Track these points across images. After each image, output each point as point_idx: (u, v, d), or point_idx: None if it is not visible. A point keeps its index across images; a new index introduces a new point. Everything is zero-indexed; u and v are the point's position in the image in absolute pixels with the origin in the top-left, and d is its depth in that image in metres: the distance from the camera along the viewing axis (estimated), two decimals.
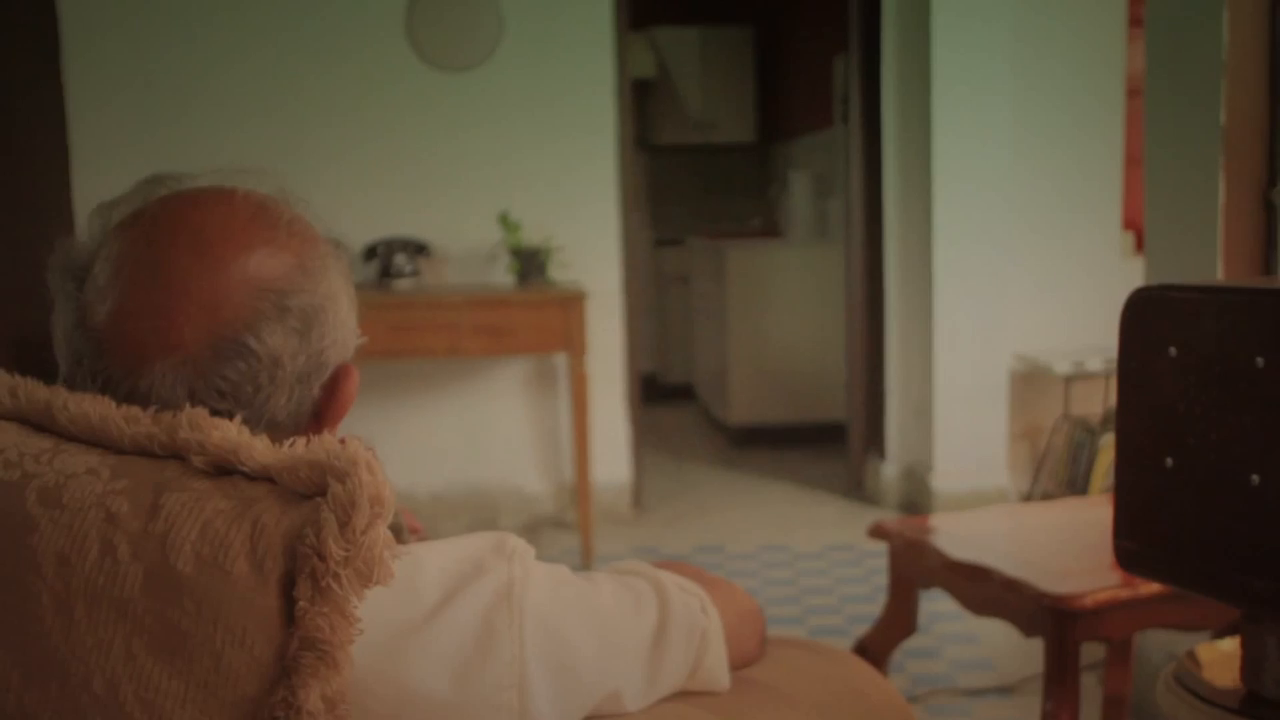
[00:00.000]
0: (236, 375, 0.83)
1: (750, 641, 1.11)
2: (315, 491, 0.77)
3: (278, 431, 0.85)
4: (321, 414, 0.89)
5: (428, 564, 0.81)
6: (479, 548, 0.84)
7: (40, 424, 0.86)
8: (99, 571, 0.76)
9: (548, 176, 4.22)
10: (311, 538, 0.75)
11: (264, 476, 0.79)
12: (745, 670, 1.09)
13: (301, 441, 0.80)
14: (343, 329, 0.89)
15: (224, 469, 0.80)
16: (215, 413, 0.82)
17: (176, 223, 0.84)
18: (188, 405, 0.82)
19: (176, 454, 0.81)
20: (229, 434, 0.80)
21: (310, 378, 0.87)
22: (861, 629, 2.69)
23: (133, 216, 0.87)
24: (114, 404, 0.83)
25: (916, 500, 4.32)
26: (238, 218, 0.85)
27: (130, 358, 0.82)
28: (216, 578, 0.74)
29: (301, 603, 0.74)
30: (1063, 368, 4.00)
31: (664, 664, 0.94)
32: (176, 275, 0.82)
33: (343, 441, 0.80)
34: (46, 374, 0.93)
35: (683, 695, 0.99)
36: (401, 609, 0.79)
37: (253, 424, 0.83)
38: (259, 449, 0.80)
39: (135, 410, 0.83)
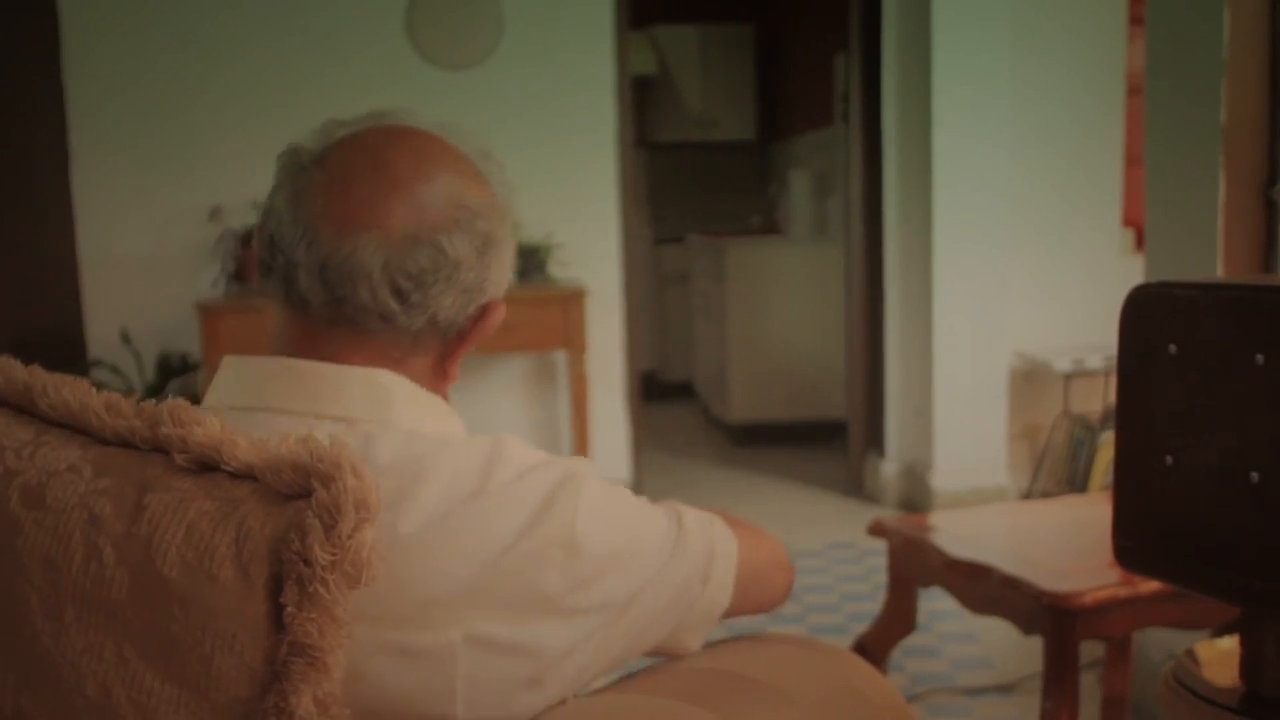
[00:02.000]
0: (426, 262, 0.95)
1: (776, 586, 1.20)
2: (299, 493, 0.77)
3: (432, 331, 0.98)
4: (465, 334, 1.01)
5: (511, 449, 0.93)
6: (554, 456, 0.97)
7: (20, 406, 0.88)
8: (85, 576, 0.76)
9: (548, 174, 4.21)
10: (296, 543, 0.74)
11: (247, 475, 0.79)
12: (743, 668, 1.09)
13: (287, 440, 0.80)
14: (503, 273, 1.03)
15: (207, 465, 0.80)
16: (397, 291, 0.94)
17: (402, 137, 0.99)
18: (377, 274, 0.93)
19: (159, 448, 0.81)
20: (211, 430, 0.80)
21: (473, 294, 0.99)
22: (861, 627, 2.69)
23: (363, 130, 0.99)
24: (93, 390, 0.88)
25: (916, 498, 4.32)
26: (454, 150, 1.00)
27: (343, 224, 0.94)
28: (203, 583, 0.74)
29: (289, 608, 0.73)
30: (1062, 365, 4.00)
31: (679, 566, 1.02)
32: (395, 173, 0.95)
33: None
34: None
35: (681, 692, 0.99)
36: (485, 475, 0.90)
37: (419, 312, 0.96)
38: (242, 446, 0.80)
39: (115, 397, 0.86)
